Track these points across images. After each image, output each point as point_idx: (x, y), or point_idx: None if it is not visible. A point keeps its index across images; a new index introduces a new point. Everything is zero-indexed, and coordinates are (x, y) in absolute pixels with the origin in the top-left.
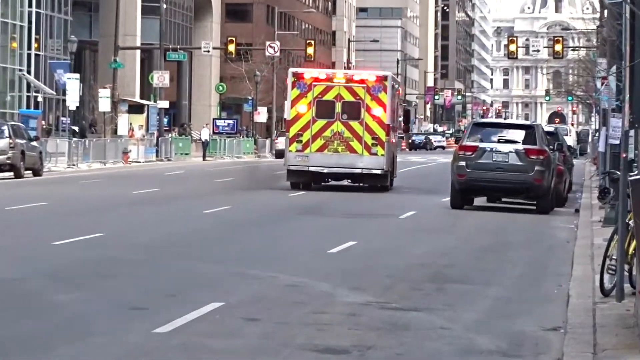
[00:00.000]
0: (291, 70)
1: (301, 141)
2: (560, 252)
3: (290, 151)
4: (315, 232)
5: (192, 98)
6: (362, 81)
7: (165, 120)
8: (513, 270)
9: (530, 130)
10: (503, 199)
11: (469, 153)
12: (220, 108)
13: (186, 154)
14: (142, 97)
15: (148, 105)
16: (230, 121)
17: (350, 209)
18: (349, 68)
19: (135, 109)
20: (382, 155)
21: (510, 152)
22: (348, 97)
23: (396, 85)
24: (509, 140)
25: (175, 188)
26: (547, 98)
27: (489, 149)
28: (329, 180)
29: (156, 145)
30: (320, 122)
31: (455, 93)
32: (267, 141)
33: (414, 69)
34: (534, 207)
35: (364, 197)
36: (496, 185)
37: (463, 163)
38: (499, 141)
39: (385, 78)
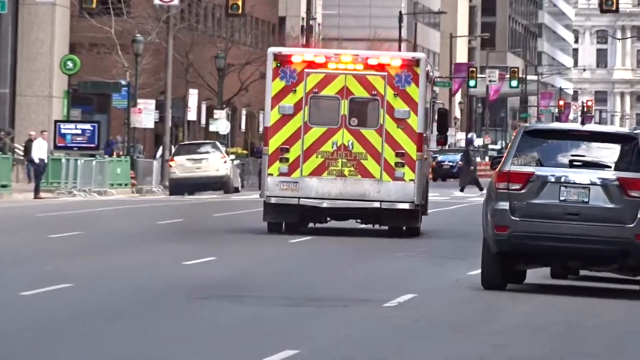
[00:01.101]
0: (272, 50)
1: (287, 159)
2: None
3: (270, 175)
4: (224, 334)
5: (16, 83)
6: (380, 66)
7: None
8: None
9: (629, 145)
10: (580, 271)
11: (517, 186)
12: (68, 101)
13: (4, 186)
14: None
15: None
16: (88, 126)
17: (300, 287)
18: (309, 30)
19: None
20: (412, 180)
21: (593, 184)
22: (359, 92)
23: (431, 73)
24: (589, 162)
25: None
26: None
27: (553, 179)
28: (328, 219)
29: None
30: (317, 131)
31: (508, 76)
32: (156, 164)
33: (432, 30)
34: (637, 286)
35: (336, 257)
36: (567, 246)
37: (505, 205)
38: (571, 164)
39: (416, 62)
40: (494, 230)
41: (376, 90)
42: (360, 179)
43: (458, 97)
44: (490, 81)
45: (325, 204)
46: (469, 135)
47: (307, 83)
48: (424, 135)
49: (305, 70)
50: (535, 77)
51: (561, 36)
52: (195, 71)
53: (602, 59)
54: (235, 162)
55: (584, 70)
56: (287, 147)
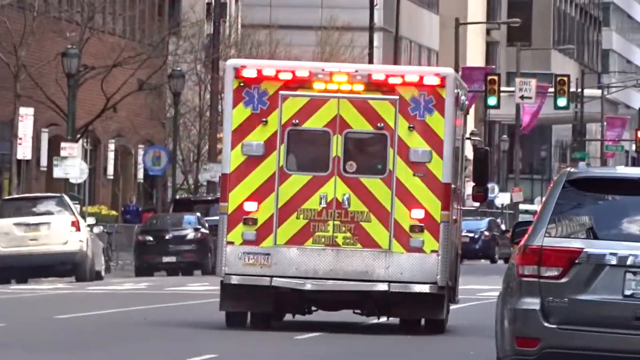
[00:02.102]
0: (231, 63)
1: (255, 221)
2: None
3: (230, 243)
4: None
5: None
6: (389, 87)
7: None
8: None
9: None
10: None
11: (554, 272)
12: None
13: None
14: None
15: None
16: None
17: None
18: (220, 11)
19: None
20: (434, 251)
21: None
22: (359, 124)
23: (463, 97)
24: None
25: None
26: None
27: (613, 260)
28: (312, 309)
29: None
30: (298, 180)
31: (553, 89)
32: None
33: (426, 13)
34: None
35: None
36: None
37: (534, 302)
38: None
39: (441, 81)
40: (515, 344)
41: (383, 122)
42: (360, 249)
43: (470, 124)
44: (522, 98)
45: (309, 286)
46: None
47: (283, 111)
48: (453, 186)
49: (281, 92)
50: (598, 92)
51: None
52: (30, 77)
53: None
54: (96, 229)
55: None
56: (255, 203)
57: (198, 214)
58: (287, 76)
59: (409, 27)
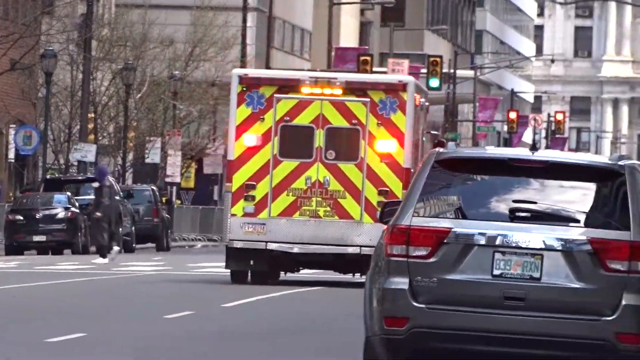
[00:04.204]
0: (236, 72)
1: (253, 198)
2: None
3: (233, 215)
4: None
5: None
6: (362, 91)
7: None
8: None
9: (609, 185)
10: None
11: (422, 252)
12: None
13: None
14: None
15: None
16: None
17: None
18: None
19: None
20: None
21: (550, 249)
22: (337, 121)
23: (422, 100)
24: (543, 213)
25: None
26: None
27: (482, 240)
28: (300, 268)
29: None
30: (288, 165)
31: (425, 70)
32: None
33: None
34: None
35: None
36: (504, 351)
37: (403, 282)
38: (513, 216)
39: (403, 86)
40: (384, 323)
41: (357, 119)
42: (337, 220)
43: None
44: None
45: (296, 249)
46: (101, 164)
47: (277, 110)
48: (412, 171)
49: (275, 95)
50: (471, 73)
51: (516, 5)
52: None
53: (583, 43)
54: None
55: (553, 61)
56: (253, 183)
57: (69, 193)
58: (281, 82)
59: (283, 7)
